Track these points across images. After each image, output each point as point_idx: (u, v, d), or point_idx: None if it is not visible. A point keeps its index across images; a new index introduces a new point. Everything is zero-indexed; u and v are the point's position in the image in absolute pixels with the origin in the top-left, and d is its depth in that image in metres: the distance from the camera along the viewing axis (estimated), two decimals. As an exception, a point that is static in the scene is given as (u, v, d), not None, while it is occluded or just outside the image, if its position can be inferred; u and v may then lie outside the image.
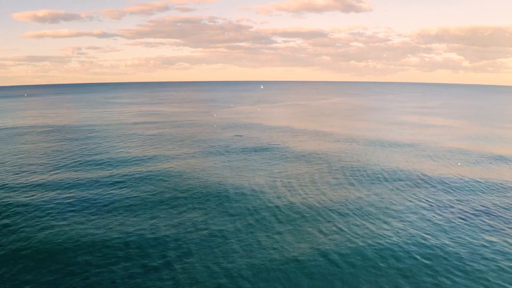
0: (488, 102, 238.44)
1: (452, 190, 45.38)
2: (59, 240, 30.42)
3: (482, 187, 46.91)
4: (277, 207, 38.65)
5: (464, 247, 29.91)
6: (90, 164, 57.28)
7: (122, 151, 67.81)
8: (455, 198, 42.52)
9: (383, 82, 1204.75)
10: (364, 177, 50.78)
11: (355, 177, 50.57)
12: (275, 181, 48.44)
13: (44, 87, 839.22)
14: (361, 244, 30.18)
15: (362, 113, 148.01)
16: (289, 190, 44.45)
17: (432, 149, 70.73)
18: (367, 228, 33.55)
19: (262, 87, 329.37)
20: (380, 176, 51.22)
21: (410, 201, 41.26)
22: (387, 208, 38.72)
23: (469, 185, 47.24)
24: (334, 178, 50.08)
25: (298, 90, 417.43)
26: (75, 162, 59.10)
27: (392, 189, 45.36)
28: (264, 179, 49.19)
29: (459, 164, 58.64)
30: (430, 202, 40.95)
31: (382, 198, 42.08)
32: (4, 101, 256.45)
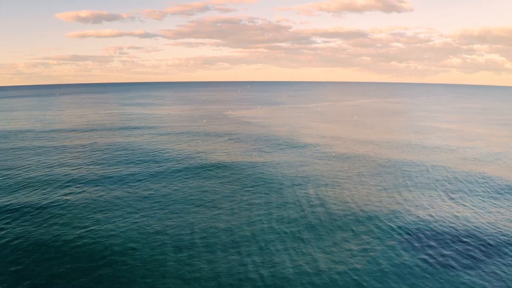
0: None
1: None
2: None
3: None
4: None
5: None
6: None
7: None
8: None
9: (424, 84, 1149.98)
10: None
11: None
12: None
13: (86, 86, 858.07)
14: None
15: (403, 116, 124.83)
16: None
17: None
18: None
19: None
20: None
21: None
22: None
23: None
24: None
25: (350, 90, 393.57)
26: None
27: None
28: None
29: None
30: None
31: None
32: (31, 100, 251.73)
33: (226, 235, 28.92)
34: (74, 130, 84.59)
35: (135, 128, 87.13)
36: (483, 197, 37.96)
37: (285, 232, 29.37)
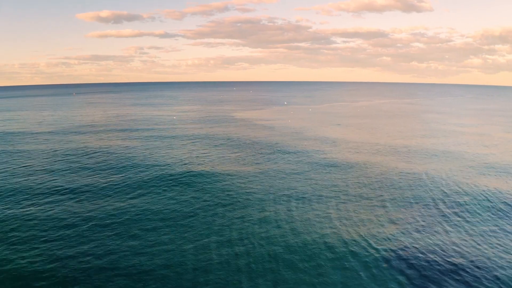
0: None
1: None
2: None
3: None
4: None
5: None
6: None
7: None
8: None
9: (444, 84, 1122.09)
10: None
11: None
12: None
13: (106, 85, 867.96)
14: None
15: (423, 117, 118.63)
16: None
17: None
18: None
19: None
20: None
21: None
22: None
23: None
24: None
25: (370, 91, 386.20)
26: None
27: None
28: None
29: None
30: None
31: None
32: (46, 99, 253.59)
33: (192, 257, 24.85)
34: (61, 133, 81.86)
35: (130, 130, 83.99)
36: (491, 219, 32.93)
37: (266, 255, 25.17)
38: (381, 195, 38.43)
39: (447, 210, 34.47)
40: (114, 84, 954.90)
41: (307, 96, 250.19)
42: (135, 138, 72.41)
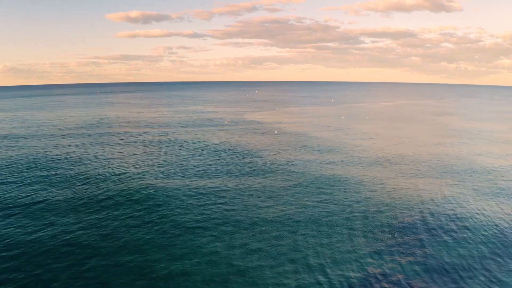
0: None
1: None
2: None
3: None
4: None
5: None
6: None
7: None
8: None
9: (473, 85, 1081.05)
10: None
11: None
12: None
13: (134, 84, 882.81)
14: None
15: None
16: None
17: None
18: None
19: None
20: None
21: None
22: None
23: None
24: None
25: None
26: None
27: None
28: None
29: None
30: None
31: None
32: (68, 98, 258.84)
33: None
34: (48, 136, 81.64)
35: (123, 133, 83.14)
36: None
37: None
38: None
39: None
40: (142, 84, 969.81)
41: (328, 97, 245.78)
42: (97, 144, 71.18)
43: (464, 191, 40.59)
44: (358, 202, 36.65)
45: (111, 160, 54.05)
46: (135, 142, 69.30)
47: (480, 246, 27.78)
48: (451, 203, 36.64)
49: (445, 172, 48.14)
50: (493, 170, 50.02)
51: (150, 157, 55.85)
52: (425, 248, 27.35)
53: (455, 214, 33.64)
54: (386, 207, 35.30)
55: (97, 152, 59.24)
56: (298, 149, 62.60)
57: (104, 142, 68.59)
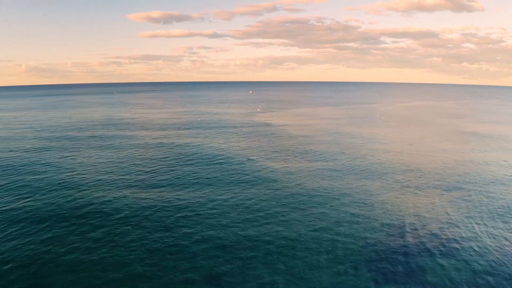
0: None
1: None
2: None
3: None
4: None
5: None
6: None
7: None
8: None
9: (495, 86, 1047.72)
10: None
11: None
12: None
13: (154, 84, 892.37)
14: None
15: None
16: None
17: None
18: None
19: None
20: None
21: None
22: None
23: None
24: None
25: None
26: None
27: None
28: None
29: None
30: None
31: None
32: (83, 98, 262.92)
33: None
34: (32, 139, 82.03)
35: (115, 137, 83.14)
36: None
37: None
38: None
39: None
40: (162, 84, 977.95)
41: (342, 97, 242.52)
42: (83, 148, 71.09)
43: (473, 212, 38.51)
44: (362, 216, 35.16)
45: (81, 166, 53.79)
46: (120, 146, 69.09)
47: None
48: (456, 225, 32.22)
49: (453, 187, 43.79)
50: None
51: (124, 164, 55.38)
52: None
53: (461, 237, 31.05)
54: (379, 224, 33.74)
55: (66, 157, 59.03)
56: (294, 155, 61.24)
57: (78, 147, 68.57)
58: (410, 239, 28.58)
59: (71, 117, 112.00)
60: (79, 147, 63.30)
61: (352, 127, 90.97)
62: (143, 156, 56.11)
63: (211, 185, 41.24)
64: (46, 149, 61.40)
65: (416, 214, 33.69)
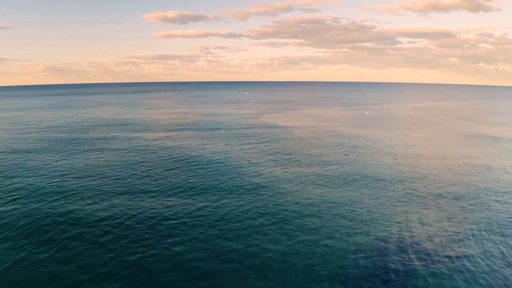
0: None
1: None
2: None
3: None
4: None
5: None
6: None
7: None
8: None
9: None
10: None
11: None
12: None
13: (170, 84, 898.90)
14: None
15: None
16: None
17: None
18: None
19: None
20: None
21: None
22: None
23: None
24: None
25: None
26: None
27: None
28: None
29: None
30: None
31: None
32: (95, 97, 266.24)
33: None
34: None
35: (109, 139, 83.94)
36: None
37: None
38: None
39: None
40: (178, 83, 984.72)
41: (356, 98, 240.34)
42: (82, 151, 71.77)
43: (483, 230, 37.81)
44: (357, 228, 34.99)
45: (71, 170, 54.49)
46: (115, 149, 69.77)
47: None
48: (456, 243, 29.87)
49: (464, 197, 42.77)
50: None
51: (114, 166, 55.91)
52: None
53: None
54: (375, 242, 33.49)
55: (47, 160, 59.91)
56: (290, 161, 61.07)
57: (67, 150, 69.41)
58: (412, 256, 28.01)
59: (78, 117, 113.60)
60: (77, 149, 64.25)
61: (355, 128, 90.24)
62: (137, 160, 56.63)
63: (205, 193, 41.30)
64: (39, 151, 62.51)
65: (421, 224, 33.32)
